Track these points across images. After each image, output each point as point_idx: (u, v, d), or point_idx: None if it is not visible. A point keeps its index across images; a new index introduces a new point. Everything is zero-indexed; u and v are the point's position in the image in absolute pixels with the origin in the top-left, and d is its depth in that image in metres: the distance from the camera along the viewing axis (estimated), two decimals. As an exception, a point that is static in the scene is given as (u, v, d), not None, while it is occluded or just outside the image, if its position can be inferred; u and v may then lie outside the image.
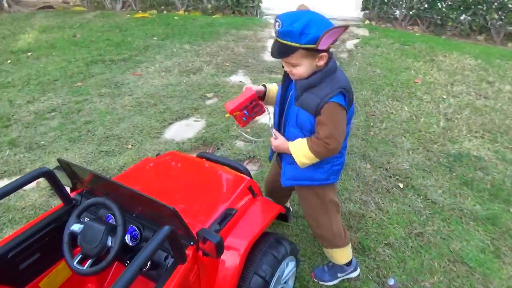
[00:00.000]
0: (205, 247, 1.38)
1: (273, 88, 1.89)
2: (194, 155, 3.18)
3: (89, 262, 1.41)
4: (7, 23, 5.96)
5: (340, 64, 4.99)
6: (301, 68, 1.55)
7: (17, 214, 2.58)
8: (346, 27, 1.48)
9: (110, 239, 1.40)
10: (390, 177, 3.01)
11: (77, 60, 4.80)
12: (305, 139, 1.65)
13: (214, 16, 7.08)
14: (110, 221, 1.55)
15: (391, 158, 3.21)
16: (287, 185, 1.86)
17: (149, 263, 1.41)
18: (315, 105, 1.57)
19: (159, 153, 2.20)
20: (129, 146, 3.28)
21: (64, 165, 1.59)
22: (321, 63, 1.55)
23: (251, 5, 7.18)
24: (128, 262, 1.48)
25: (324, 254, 2.33)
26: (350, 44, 5.74)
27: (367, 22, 6.94)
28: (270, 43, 5.72)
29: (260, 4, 7.35)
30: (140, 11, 7.11)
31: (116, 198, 1.54)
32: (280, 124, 1.80)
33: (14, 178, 2.91)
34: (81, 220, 1.52)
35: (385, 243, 2.43)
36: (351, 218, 2.61)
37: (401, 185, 2.92)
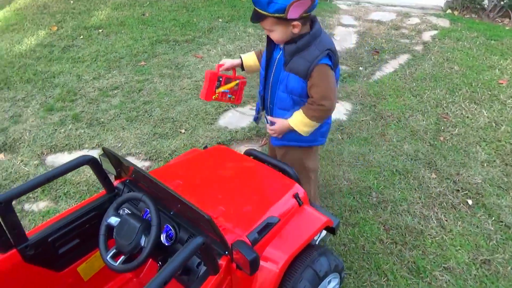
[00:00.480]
0: (239, 260, 1.27)
1: (250, 57, 2.07)
2: (245, 145, 3.14)
3: (121, 258, 1.38)
4: (84, 0, 6.23)
5: (413, 58, 4.58)
6: (276, 33, 1.65)
7: (72, 188, 2.68)
8: None
9: (144, 239, 1.35)
10: (458, 191, 2.70)
11: (143, 39, 4.89)
12: (300, 110, 1.77)
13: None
14: (148, 217, 1.51)
15: (462, 169, 2.87)
16: (277, 144, 1.99)
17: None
18: (306, 69, 1.65)
19: (206, 146, 2.12)
20: (183, 131, 3.27)
21: (109, 154, 1.56)
22: (296, 30, 1.62)
23: (321, -12, 6.84)
24: (160, 263, 1.42)
25: (372, 269, 2.14)
26: (426, 35, 5.24)
27: (449, 11, 6.30)
28: (337, 30, 5.41)
29: (332, -12, 6.97)
30: (208, -8, 7.07)
31: (155, 193, 1.49)
32: (266, 89, 1.89)
33: (74, 153, 3.03)
34: (119, 213, 1.49)
35: (444, 267, 2.17)
36: (407, 233, 2.37)
37: (470, 202, 2.60)
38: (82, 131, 3.24)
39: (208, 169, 1.83)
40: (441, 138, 3.22)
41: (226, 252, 1.31)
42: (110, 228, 1.44)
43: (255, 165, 1.84)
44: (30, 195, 2.66)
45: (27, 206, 2.59)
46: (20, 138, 3.16)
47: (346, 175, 2.81)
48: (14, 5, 5.95)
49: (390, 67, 4.47)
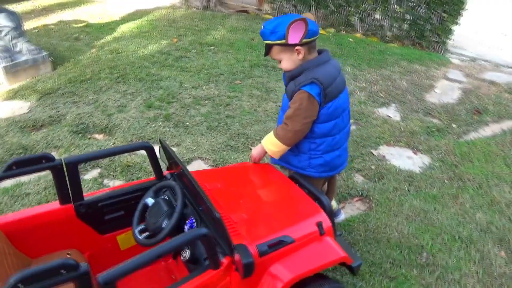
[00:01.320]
0: (238, 262, 1.36)
1: None
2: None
3: (146, 234, 1.57)
4: (207, 20, 6.98)
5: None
6: (284, 62, 1.83)
7: (144, 175, 3.03)
8: (303, 19, 1.68)
9: (166, 222, 1.52)
10: (529, 278, 2.37)
11: (245, 61, 5.30)
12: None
13: (390, 45, 6.79)
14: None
15: (539, 255, 2.52)
16: (273, 162, 2.13)
17: (188, 254, 1.46)
18: (291, 92, 1.85)
19: None
20: (252, 148, 3.45)
21: (164, 147, 1.79)
22: (300, 56, 1.78)
23: (435, 40, 6.60)
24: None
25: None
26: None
27: None
28: (439, 83, 5.17)
29: (448, 41, 6.68)
30: (320, 28, 7.35)
31: (192, 188, 1.66)
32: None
33: (155, 145, 3.42)
34: (156, 196, 1.69)
35: None
36: (451, 305, 2.17)
37: (539, 294, 2.27)
38: (168, 129, 3.65)
39: (248, 180, 1.96)
40: (526, 217, 2.86)
41: (229, 252, 1.41)
42: (145, 207, 1.65)
43: (291, 187, 1.91)
44: (111, 173, 3.08)
45: (106, 181, 3.00)
46: (119, 124, 3.68)
47: (399, 227, 2.68)
48: (151, 17, 6.94)
49: (489, 130, 4.13)
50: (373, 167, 3.32)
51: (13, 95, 4.10)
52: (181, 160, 1.73)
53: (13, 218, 1.62)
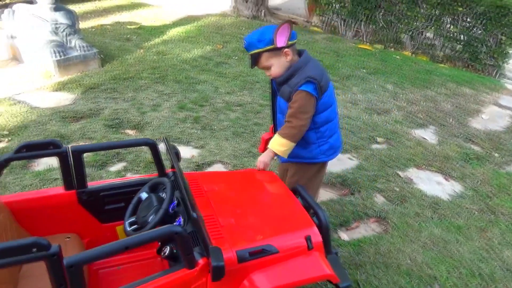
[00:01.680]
0: (210, 264, 1.36)
1: None
2: (325, 190, 3.11)
3: (134, 226, 1.61)
4: (254, 29, 7.08)
5: None
6: (274, 67, 1.91)
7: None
8: (290, 22, 1.82)
9: (152, 217, 1.56)
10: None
11: (284, 70, 5.30)
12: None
13: (440, 65, 6.49)
14: (173, 206, 1.71)
15: None
16: (282, 161, 2.25)
17: (168, 250, 1.48)
18: (288, 93, 1.93)
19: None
20: (275, 158, 3.43)
21: (167, 145, 1.83)
22: (289, 58, 1.89)
23: (491, 63, 6.22)
24: (160, 242, 1.60)
25: None
26: None
27: None
28: (488, 109, 4.85)
29: (504, 65, 6.28)
30: (367, 43, 7.20)
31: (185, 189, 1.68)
32: (273, 114, 2.23)
33: (180, 146, 3.52)
34: (152, 191, 1.74)
35: None
36: None
37: None
38: (195, 131, 3.73)
39: (247, 186, 1.95)
40: None
41: (206, 254, 1.41)
42: (139, 200, 1.70)
43: (289, 198, 1.87)
44: (135, 168, 3.21)
45: (129, 175, 3.12)
46: (150, 122, 3.83)
47: (413, 255, 2.53)
48: (199, 23, 7.18)
49: (536, 163, 3.80)
50: (397, 189, 3.17)
51: (62, 87, 4.40)
52: (178, 160, 1.76)
53: (20, 197, 1.74)
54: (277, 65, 1.91)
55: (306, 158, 2.13)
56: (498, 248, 2.66)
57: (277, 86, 2.03)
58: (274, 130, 2.25)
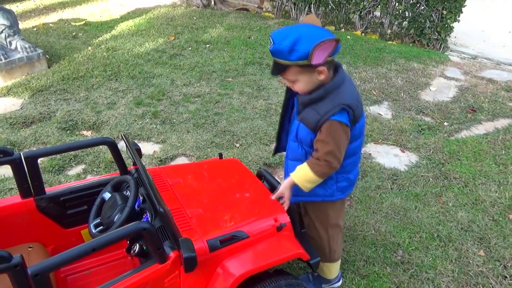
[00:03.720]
0: (180, 256, 1.36)
1: None
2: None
3: (99, 228, 1.58)
4: (205, 18, 7.00)
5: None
6: (300, 83, 1.56)
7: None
8: (337, 40, 1.45)
9: (118, 216, 1.53)
10: (506, 278, 2.33)
11: (239, 58, 5.29)
12: (305, 164, 1.65)
13: (389, 42, 6.72)
14: (138, 203, 1.69)
15: (519, 255, 2.47)
16: (293, 201, 1.83)
17: (137, 247, 1.47)
18: (315, 122, 1.56)
19: (221, 154, 2.17)
20: (237, 145, 3.46)
21: (127, 142, 1.80)
22: (322, 77, 1.53)
23: (435, 37, 6.51)
24: (129, 242, 1.59)
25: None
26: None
27: None
28: (436, 81, 5.10)
29: (448, 38, 6.58)
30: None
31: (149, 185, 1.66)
32: (279, 132, 1.91)
33: (141, 143, 3.45)
34: (114, 191, 1.71)
35: None
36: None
37: (514, 294, 2.23)
38: (155, 126, 3.67)
39: (212, 176, 1.96)
40: (510, 216, 2.81)
41: (176, 246, 1.42)
42: (103, 201, 1.67)
43: (255, 184, 1.90)
44: (95, 169, 3.12)
45: (89, 177, 3.03)
46: (107, 121, 3.71)
47: (377, 225, 2.65)
48: (150, 15, 6.98)
49: (482, 128, 4.05)
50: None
51: (6, 92, 4.17)
52: (140, 156, 1.73)
53: (-27, 211, 1.65)
54: (304, 83, 1.55)
55: (321, 196, 1.81)
56: (453, 210, 2.84)
57: (299, 106, 1.65)
58: (276, 149, 2.00)
